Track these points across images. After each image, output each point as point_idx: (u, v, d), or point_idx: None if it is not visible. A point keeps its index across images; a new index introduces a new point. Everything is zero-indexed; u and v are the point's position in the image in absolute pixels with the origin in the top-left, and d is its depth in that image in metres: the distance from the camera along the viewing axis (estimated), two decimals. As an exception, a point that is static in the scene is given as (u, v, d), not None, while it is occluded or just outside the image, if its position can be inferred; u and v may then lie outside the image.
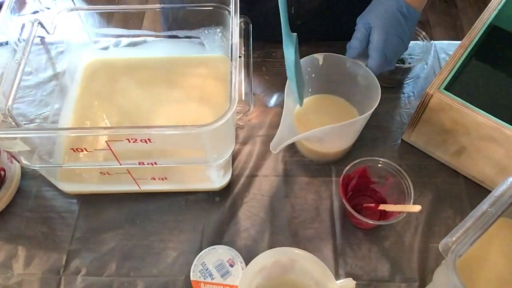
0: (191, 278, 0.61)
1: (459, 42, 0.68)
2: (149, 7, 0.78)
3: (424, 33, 0.77)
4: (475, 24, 0.69)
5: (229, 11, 0.63)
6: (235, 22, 0.59)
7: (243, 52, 0.60)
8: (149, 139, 0.53)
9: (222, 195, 0.70)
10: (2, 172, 0.66)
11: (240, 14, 0.60)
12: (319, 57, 0.67)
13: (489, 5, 0.71)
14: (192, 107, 0.72)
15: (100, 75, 0.76)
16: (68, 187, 0.69)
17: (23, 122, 0.65)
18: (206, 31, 0.73)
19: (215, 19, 0.70)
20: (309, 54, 0.66)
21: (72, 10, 0.70)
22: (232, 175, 0.71)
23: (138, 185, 0.67)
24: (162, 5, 0.76)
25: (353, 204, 0.63)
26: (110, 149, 0.56)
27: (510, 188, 0.50)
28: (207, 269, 0.62)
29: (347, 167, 0.63)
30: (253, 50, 0.64)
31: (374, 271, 0.63)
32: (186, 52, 0.77)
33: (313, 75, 0.69)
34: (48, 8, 0.67)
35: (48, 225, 0.68)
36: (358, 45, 0.64)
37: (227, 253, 0.63)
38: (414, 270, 0.63)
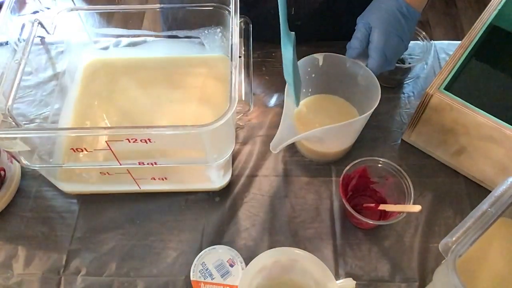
0: (191, 278, 0.61)
1: (459, 42, 0.68)
2: (149, 7, 0.78)
3: (424, 33, 0.77)
4: (475, 24, 0.69)
5: (229, 11, 0.63)
6: (235, 22, 0.59)
7: (243, 52, 0.60)
8: (149, 139, 0.53)
9: (222, 195, 0.70)
10: (2, 172, 0.66)
11: (240, 14, 0.60)
12: (319, 57, 0.67)
13: (489, 5, 0.71)
14: (192, 107, 0.72)
15: (100, 75, 0.76)
16: (68, 187, 0.69)
17: (23, 122, 0.65)
18: (206, 31, 0.73)
19: (215, 19, 0.70)
20: (309, 54, 0.66)
21: (72, 10, 0.70)
22: (232, 175, 0.71)
23: (138, 185, 0.67)
24: (162, 5, 0.76)
25: (353, 204, 0.63)
26: (110, 149, 0.56)
27: (510, 188, 0.50)
28: (207, 269, 0.62)
29: (347, 167, 0.63)
30: (253, 50, 0.63)
31: (374, 271, 0.63)
32: (186, 52, 0.77)
33: (313, 75, 0.69)
34: (48, 8, 0.67)
35: (48, 225, 0.67)
36: (358, 45, 0.64)
37: (227, 253, 0.63)
38: (414, 270, 0.63)
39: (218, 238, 0.66)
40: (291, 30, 0.57)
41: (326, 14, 0.81)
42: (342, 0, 0.79)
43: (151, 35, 0.79)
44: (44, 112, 0.70)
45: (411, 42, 0.69)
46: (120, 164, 0.59)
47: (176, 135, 0.53)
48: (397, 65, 0.71)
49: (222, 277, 0.61)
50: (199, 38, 0.74)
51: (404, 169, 0.62)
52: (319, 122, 0.71)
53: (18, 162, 0.61)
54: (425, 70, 0.82)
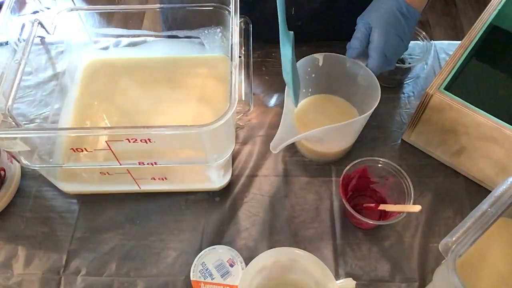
0: (191, 278, 0.61)
1: (459, 42, 0.68)
2: (149, 7, 0.78)
3: (424, 33, 0.77)
4: (475, 24, 0.69)
5: (229, 11, 0.63)
6: (235, 22, 0.59)
7: (243, 52, 0.60)
8: (149, 139, 0.53)
9: (222, 195, 0.70)
10: (2, 172, 0.66)
11: (240, 14, 0.60)
12: (319, 57, 0.67)
13: (489, 5, 0.71)
14: (192, 107, 0.72)
15: (100, 75, 0.76)
16: (68, 187, 0.69)
17: (23, 122, 0.65)
18: (206, 31, 0.73)
19: (215, 19, 0.70)
20: (309, 54, 0.66)
21: (72, 10, 0.70)
22: (232, 175, 0.71)
23: (138, 185, 0.67)
24: (162, 5, 0.76)
25: (353, 204, 0.63)
26: (110, 149, 0.56)
27: (510, 188, 0.50)
28: (207, 269, 0.62)
29: (347, 167, 0.63)
30: (253, 50, 0.64)
31: (374, 271, 0.63)
32: (186, 52, 0.77)
33: (313, 75, 0.69)
34: (48, 8, 0.67)
35: (48, 225, 0.67)
36: (358, 45, 0.64)
37: (227, 253, 0.63)
38: (414, 270, 0.63)
39: (218, 238, 0.66)
40: (291, 30, 0.57)
41: (326, 14, 0.81)
42: (342, 0, 0.79)
43: (151, 35, 0.79)
44: (44, 112, 0.70)
45: (411, 42, 0.69)
46: (120, 164, 0.59)
47: (176, 135, 0.53)
48: (397, 65, 0.71)
49: (222, 277, 0.61)
50: (199, 38, 0.74)
51: (404, 169, 0.62)
52: (319, 122, 0.70)
53: (18, 162, 0.61)
54: (425, 70, 0.82)
